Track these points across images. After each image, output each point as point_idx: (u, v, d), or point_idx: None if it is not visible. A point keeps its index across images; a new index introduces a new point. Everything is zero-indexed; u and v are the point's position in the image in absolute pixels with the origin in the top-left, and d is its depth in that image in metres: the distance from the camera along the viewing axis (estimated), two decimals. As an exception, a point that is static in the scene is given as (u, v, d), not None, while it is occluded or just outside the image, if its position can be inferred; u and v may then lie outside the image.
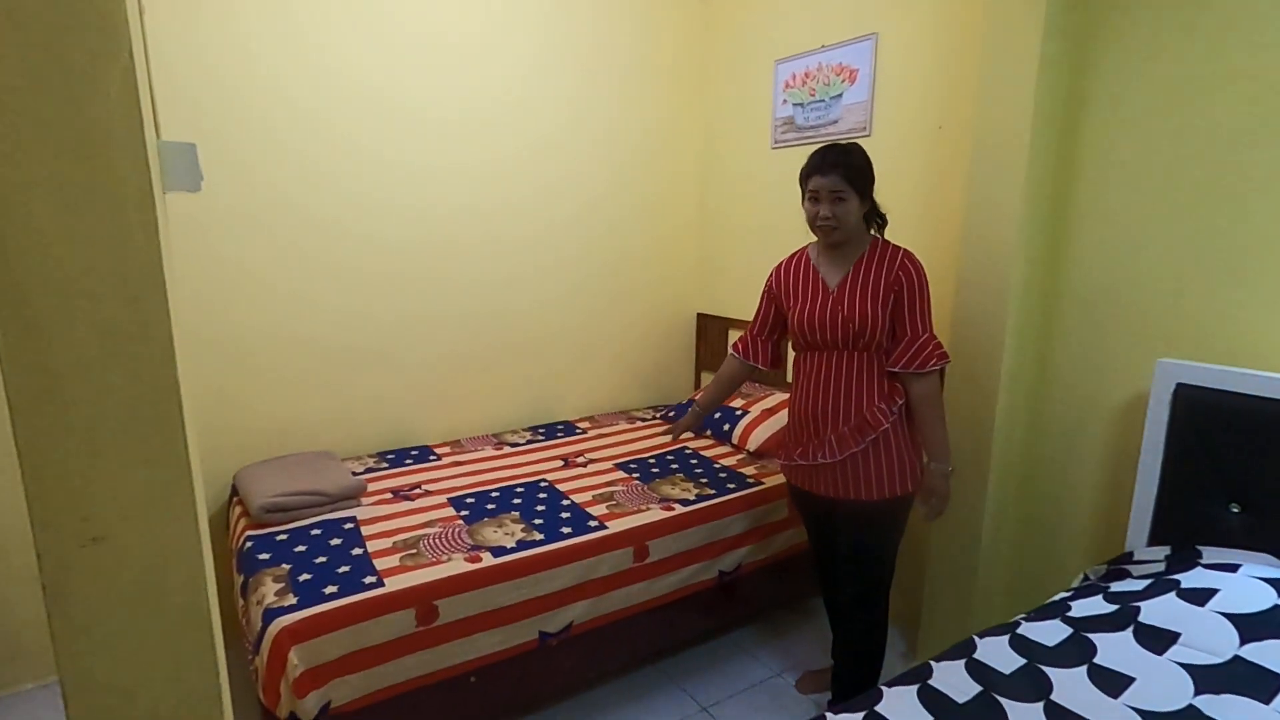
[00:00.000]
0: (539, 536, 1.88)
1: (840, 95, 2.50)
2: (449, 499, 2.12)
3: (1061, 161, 1.89)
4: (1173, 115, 1.69)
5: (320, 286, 2.40)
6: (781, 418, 2.57)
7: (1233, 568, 1.39)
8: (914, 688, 1.24)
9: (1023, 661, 1.29)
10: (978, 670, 1.28)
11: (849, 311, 1.69)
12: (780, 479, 2.31)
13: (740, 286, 3.11)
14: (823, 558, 1.97)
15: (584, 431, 2.83)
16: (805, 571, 2.36)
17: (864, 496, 1.74)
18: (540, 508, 2.06)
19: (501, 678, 1.77)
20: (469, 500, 2.11)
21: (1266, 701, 1.10)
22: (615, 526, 1.95)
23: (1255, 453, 1.51)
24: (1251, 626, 1.22)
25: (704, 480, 2.30)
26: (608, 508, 2.07)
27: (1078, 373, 1.93)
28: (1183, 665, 1.20)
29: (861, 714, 1.18)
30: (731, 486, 2.24)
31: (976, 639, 1.38)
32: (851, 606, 1.87)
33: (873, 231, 1.79)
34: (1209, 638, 1.24)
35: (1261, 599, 1.27)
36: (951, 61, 2.17)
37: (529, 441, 2.70)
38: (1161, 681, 1.18)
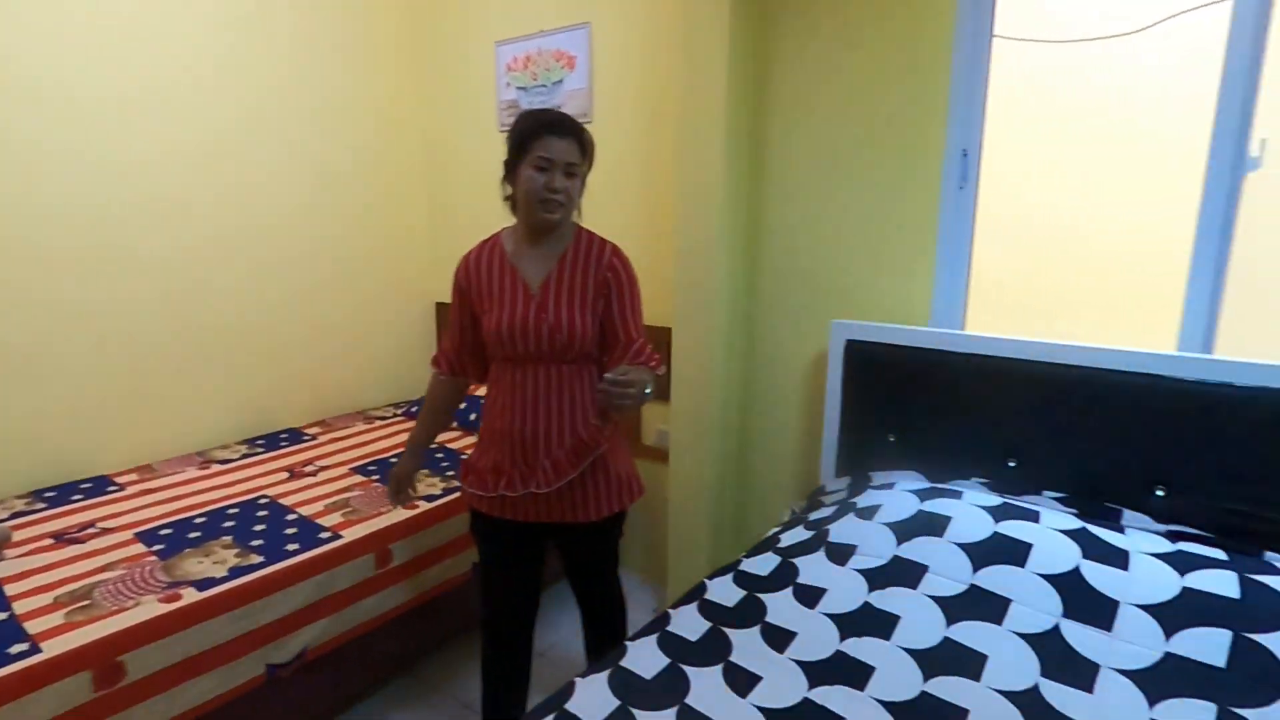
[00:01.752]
0: (258, 559, 1.66)
1: (561, 81, 2.55)
2: (136, 534, 1.78)
3: (755, 149, 2.13)
4: (837, 107, 1.99)
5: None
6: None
7: (890, 485, 1.71)
8: (654, 636, 1.33)
9: (743, 594, 1.45)
10: (708, 609, 1.41)
11: (556, 320, 1.45)
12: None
13: (478, 273, 3.04)
14: (512, 588, 1.67)
15: (313, 438, 2.57)
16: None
17: (583, 518, 1.55)
18: (259, 527, 1.83)
19: (219, 728, 1.54)
20: (164, 533, 1.79)
21: (913, 587, 1.37)
22: (352, 534, 1.80)
23: (902, 391, 1.87)
24: (905, 531, 1.51)
25: (450, 474, 2.22)
26: (343, 515, 1.90)
27: (778, 335, 2.21)
28: (859, 571, 1.44)
29: (607, 671, 1.23)
30: (480, 475, 2.20)
31: (707, 581, 1.52)
32: (591, 623, 1.76)
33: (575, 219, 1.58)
34: (878, 545, 1.50)
35: (910, 507, 1.57)
36: (661, 52, 2.33)
37: (244, 456, 2.37)
38: (844, 588, 1.41)
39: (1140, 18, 1.61)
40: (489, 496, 1.54)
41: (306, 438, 2.56)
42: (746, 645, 1.29)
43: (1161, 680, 1.13)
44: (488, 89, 2.79)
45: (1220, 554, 1.34)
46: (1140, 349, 1.55)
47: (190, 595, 1.50)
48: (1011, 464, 1.72)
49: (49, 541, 1.72)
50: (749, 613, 1.39)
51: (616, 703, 1.14)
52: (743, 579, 1.52)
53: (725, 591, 1.47)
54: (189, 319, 2.40)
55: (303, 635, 1.65)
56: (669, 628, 1.36)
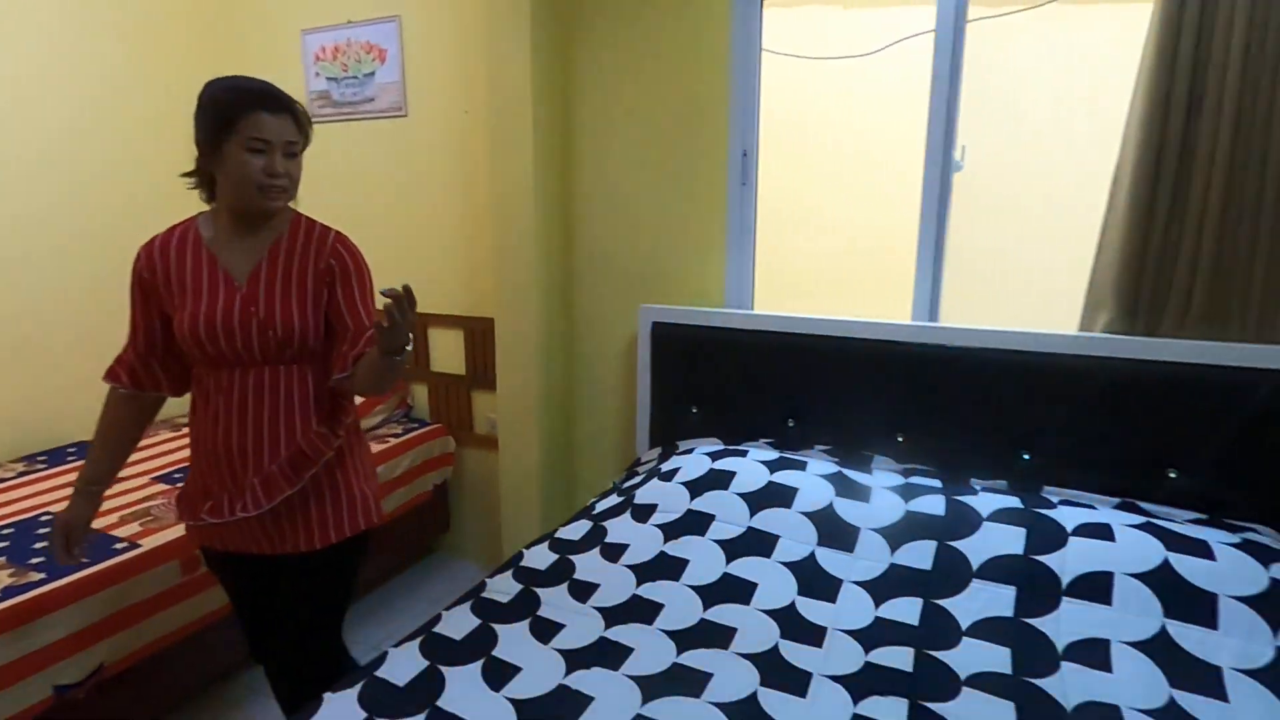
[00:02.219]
0: (38, 576, 1.54)
1: (373, 73, 2.53)
2: (-118, 565, 1.58)
3: (564, 145, 2.26)
4: (637, 107, 2.16)
5: None
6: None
7: (690, 451, 1.91)
8: (468, 603, 1.42)
9: (555, 557, 1.58)
10: (522, 574, 1.52)
11: (267, 314, 1.25)
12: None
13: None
14: (254, 625, 1.47)
15: (108, 449, 2.37)
16: (392, 540, 2.43)
17: (305, 547, 1.33)
18: (39, 545, 1.69)
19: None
20: (-82, 559, 1.61)
21: (702, 534, 1.56)
22: (151, 543, 1.72)
23: (702, 367, 2.08)
24: (698, 488, 1.70)
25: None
26: (141, 525, 1.80)
27: (596, 319, 2.35)
28: (658, 526, 1.62)
29: (419, 639, 1.29)
30: (300, 474, 2.15)
31: (524, 550, 1.63)
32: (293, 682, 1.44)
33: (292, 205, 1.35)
34: (675, 502, 1.68)
35: (704, 467, 1.77)
36: (470, 47, 2.38)
37: (20, 475, 2.15)
38: (644, 542, 1.57)
39: (873, 43, 1.92)
40: (197, 526, 1.35)
41: (100, 450, 2.35)
42: (554, 600, 1.42)
43: (886, 585, 1.40)
44: (295, 78, 2.69)
45: (936, 483, 1.65)
46: (883, 320, 1.86)
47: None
48: (791, 424, 1.98)
49: None
50: (559, 572, 1.51)
51: (425, 664, 1.22)
52: (557, 545, 1.64)
53: (540, 558, 1.59)
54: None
55: (96, 652, 1.56)
56: (484, 594, 1.45)
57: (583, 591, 1.44)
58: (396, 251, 2.68)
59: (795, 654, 1.24)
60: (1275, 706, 1.08)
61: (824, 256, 2.26)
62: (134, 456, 2.26)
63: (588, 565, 1.53)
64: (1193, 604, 1.23)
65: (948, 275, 1.90)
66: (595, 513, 1.77)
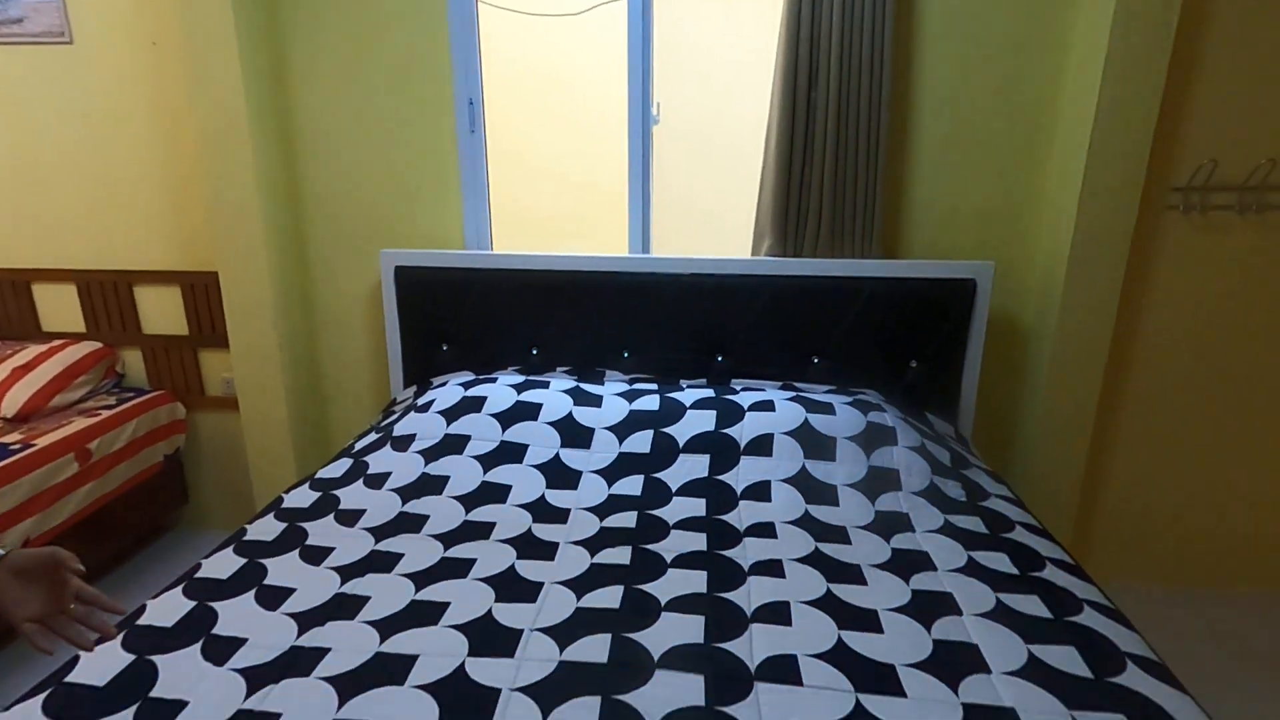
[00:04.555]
0: None
1: (19, -12, 2.15)
2: None
3: (278, 90, 2.16)
4: (355, 53, 2.14)
5: None
6: (49, 369, 2.24)
7: (444, 384, 2.05)
8: (230, 547, 1.44)
9: (318, 495, 1.65)
10: (284, 514, 1.57)
11: None
12: (64, 431, 2.07)
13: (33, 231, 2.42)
14: None
15: None
16: (118, 521, 2.24)
17: None
18: None
19: None
20: None
21: (460, 453, 1.74)
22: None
23: (448, 307, 2.20)
24: (452, 414, 1.87)
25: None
26: None
27: (335, 268, 2.34)
28: (418, 452, 1.76)
29: (182, 585, 1.30)
30: (-12, 460, 1.89)
31: (283, 494, 1.66)
32: None
33: None
34: (431, 429, 1.83)
35: (457, 396, 1.94)
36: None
37: None
38: (406, 468, 1.71)
39: (581, 3, 2.14)
40: None
41: None
42: (320, 529, 1.51)
43: (616, 469, 1.71)
44: (-102, -15, 2.17)
45: (654, 387, 2.01)
46: (605, 254, 2.15)
47: None
48: (534, 352, 2.21)
49: None
50: (323, 506, 1.59)
51: (193, 603, 1.25)
52: (318, 484, 1.71)
53: (302, 497, 1.65)
54: None
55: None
56: (246, 537, 1.48)
57: (350, 518, 1.54)
58: (87, 203, 2.36)
59: (545, 532, 1.49)
60: (868, 507, 1.59)
61: (553, 199, 2.48)
62: None
63: (352, 496, 1.63)
64: (821, 446, 1.72)
65: (655, 213, 2.24)
66: (355, 450, 1.85)
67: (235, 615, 1.22)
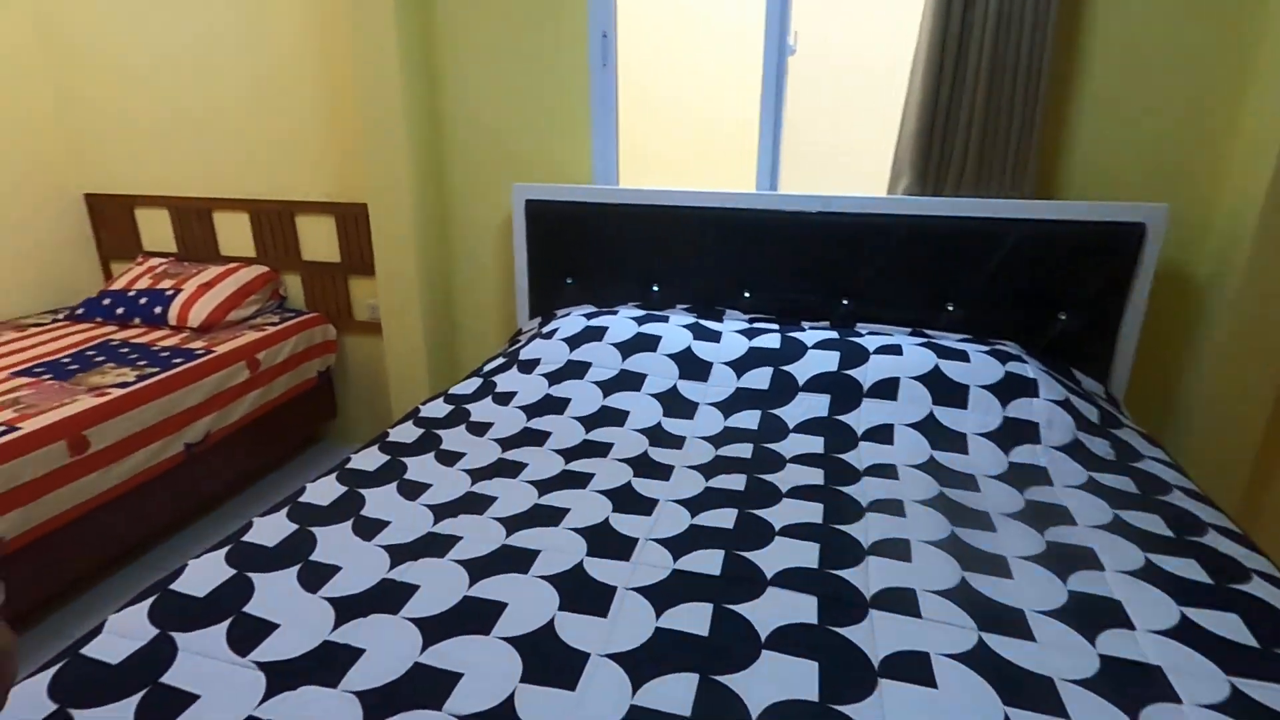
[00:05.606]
0: (-84, 459, 1.53)
1: (206, -63, 2.35)
2: None
3: (426, 27, 2.26)
4: (488, 30, 2.20)
5: None
6: (225, 287, 2.52)
7: (567, 314, 2.12)
8: (375, 445, 1.58)
9: (451, 408, 1.76)
10: (421, 422, 1.69)
11: None
12: (238, 342, 2.33)
13: (139, 158, 2.74)
14: None
15: (-53, 352, 2.22)
16: (278, 426, 2.50)
17: None
18: (-89, 432, 1.65)
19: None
20: None
21: (581, 378, 1.80)
22: (32, 426, 1.72)
23: (574, 241, 2.26)
24: (575, 342, 1.93)
25: (143, 363, 2.14)
26: (15, 411, 1.78)
27: (470, 202, 2.45)
28: (543, 375, 1.84)
29: (285, 509, 1.32)
30: (179, 361, 2.16)
31: (420, 406, 1.79)
32: None
33: None
34: (555, 354, 1.90)
35: (580, 325, 1.99)
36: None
37: None
38: (531, 388, 1.79)
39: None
40: None
41: (-64, 353, 2.21)
42: (454, 438, 1.61)
43: (733, 403, 1.71)
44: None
45: (774, 326, 1.97)
46: (731, 190, 2.11)
47: None
48: (655, 289, 2.23)
49: None
50: (456, 418, 1.70)
51: (343, 489, 1.39)
52: (451, 399, 1.82)
53: (437, 409, 1.77)
54: None
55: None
56: (388, 438, 1.62)
57: (479, 429, 1.64)
58: (257, 141, 2.59)
59: (660, 455, 1.52)
60: (1001, 458, 1.50)
61: (678, 134, 2.46)
62: (-17, 354, 2.17)
63: (482, 410, 1.73)
64: (951, 393, 1.63)
65: (785, 149, 2.17)
66: (484, 371, 1.95)
67: (380, 502, 1.34)
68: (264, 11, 2.43)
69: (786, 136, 2.15)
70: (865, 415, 1.63)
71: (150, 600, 1.06)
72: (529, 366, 1.88)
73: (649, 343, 1.89)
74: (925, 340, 1.83)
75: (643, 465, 1.47)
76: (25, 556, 1.68)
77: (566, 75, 2.21)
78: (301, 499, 1.35)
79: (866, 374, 1.71)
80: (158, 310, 2.47)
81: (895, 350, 1.77)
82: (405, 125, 2.22)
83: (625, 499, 1.34)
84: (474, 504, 1.33)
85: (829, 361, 1.77)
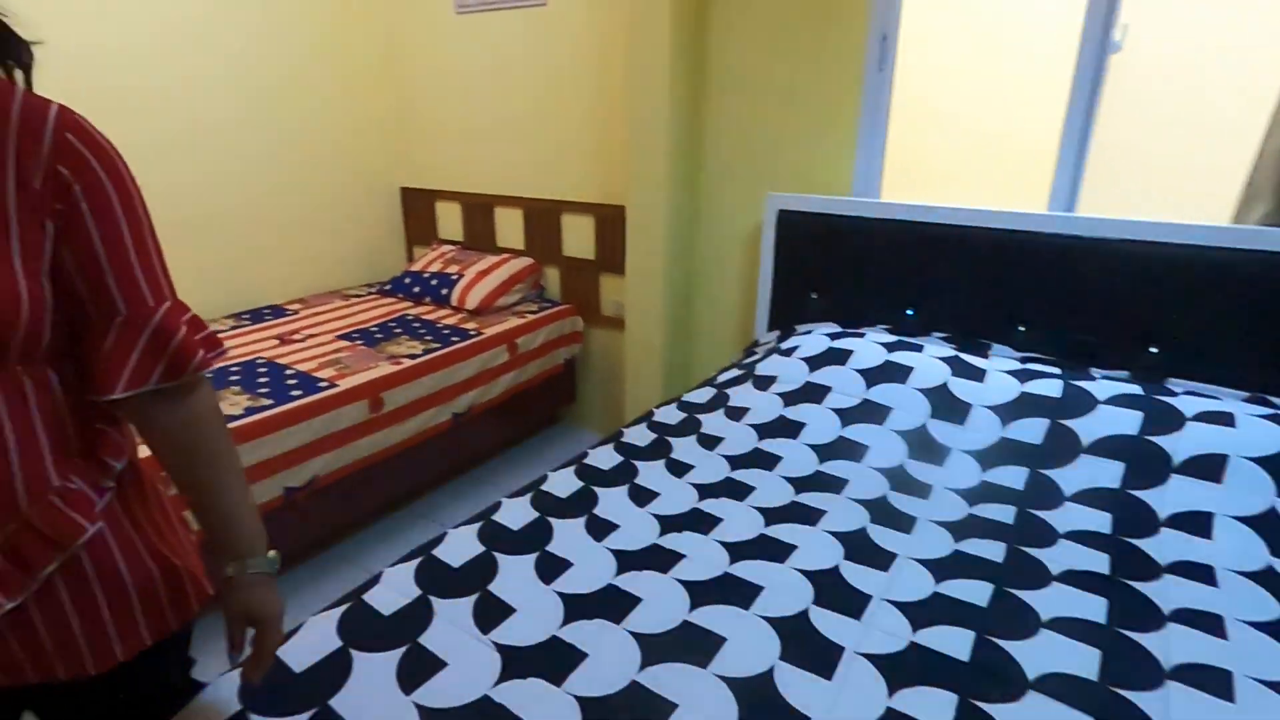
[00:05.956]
0: (268, 402, 1.91)
1: (516, -38, 2.61)
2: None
3: (698, 30, 2.29)
4: (760, 35, 2.16)
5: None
6: (497, 276, 2.82)
7: (808, 332, 2.03)
8: (611, 444, 1.65)
9: (684, 416, 1.78)
10: (655, 427, 1.73)
11: None
12: (502, 326, 2.59)
13: (446, 160, 3.17)
14: None
15: (295, 313, 2.76)
16: (525, 406, 2.74)
17: (75, 672, 0.77)
18: (263, 379, 2.07)
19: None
20: (177, 384, 2.02)
21: (819, 402, 1.70)
22: (346, 384, 2.06)
23: (824, 255, 2.15)
24: (815, 363, 1.83)
25: (429, 338, 2.47)
26: (336, 370, 2.15)
27: (722, 209, 2.45)
28: (778, 394, 1.77)
29: (529, 495, 1.43)
30: (455, 339, 2.45)
31: (655, 409, 1.84)
32: None
33: None
34: (794, 374, 1.82)
35: (822, 345, 1.89)
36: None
37: (233, 328, 2.57)
38: (765, 407, 1.74)
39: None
40: None
41: (289, 313, 2.75)
42: (684, 447, 1.62)
43: (994, 455, 1.50)
44: (442, -30, 2.83)
45: (1055, 370, 1.70)
46: (1015, 210, 1.85)
47: (215, 428, 1.76)
48: (910, 313, 2.04)
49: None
50: (688, 427, 1.71)
51: (580, 484, 1.46)
52: (685, 406, 1.84)
53: (670, 415, 1.79)
54: (172, 206, 2.51)
55: (311, 466, 1.94)
56: (623, 439, 1.68)
57: (710, 442, 1.63)
58: (534, 145, 2.85)
59: (902, 502, 1.38)
60: (1380, 583, 1.13)
61: (952, 143, 2.22)
62: (319, 320, 2.66)
63: (713, 423, 1.72)
64: (1309, 486, 1.27)
65: (1091, 163, 1.85)
66: (718, 382, 1.94)
67: (612, 503, 1.38)
68: (551, 32, 2.64)
69: (1095, 148, 1.83)
70: (1173, 496, 1.33)
71: (417, 561, 1.19)
72: (764, 383, 1.83)
73: (898, 372, 1.73)
74: (1271, 412, 1.45)
75: (881, 511, 1.35)
76: (329, 494, 2.03)
77: (836, 80, 2.11)
78: (543, 487, 1.45)
79: (1179, 444, 1.40)
80: (444, 291, 2.83)
81: (1224, 419, 1.42)
82: (668, 133, 2.28)
83: (859, 547, 1.24)
84: (699, 521, 1.32)
85: (1127, 422, 1.47)
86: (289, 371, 2.13)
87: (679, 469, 1.52)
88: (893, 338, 1.90)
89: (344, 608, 1.09)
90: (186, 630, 0.88)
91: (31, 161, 0.65)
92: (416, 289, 2.91)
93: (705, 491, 1.43)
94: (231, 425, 1.76)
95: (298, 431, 1.89)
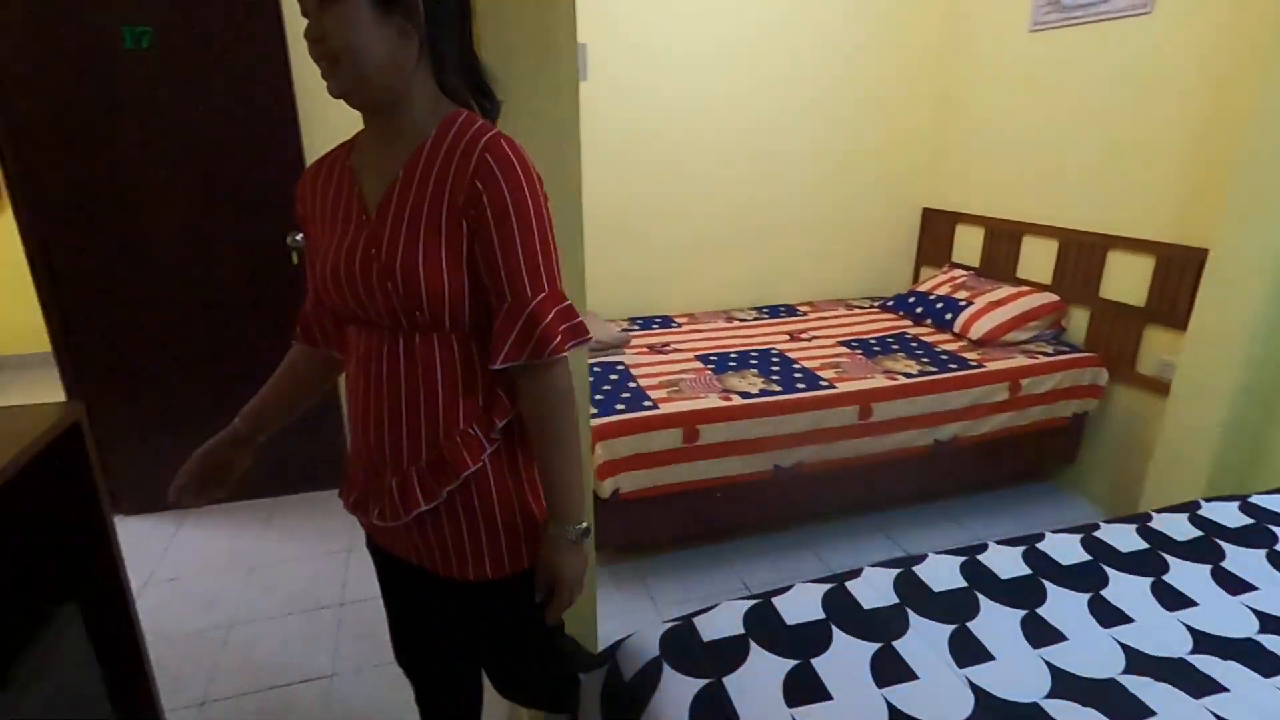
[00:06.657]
0: (778, 388, 2.20)
1: (1117, -32, 2.34)
2: (695, 356, 2.50)
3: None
4: None
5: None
6: (1012, 309, 2.63)
7: None
8: (1134, 525, 1.41)
9: (1249, 520, 1.41)
10: (1199, 521, 1.42)
11: (389, 259, 0.85)
12: (1007, 363, 2.43)
13: (975, 182, 3.08)
14: (402, 634, 1.19)
15: (804, 314, 3.08)
16: (1014, 452, 2.51)
17: (460, 574, 0.98)
18: (775, 368, 2.38)
19: (740, 498, 2.17)
20: (713, 358, 2.48)
21: None
22: (843, 388, 2.22)
23: None
24: None
25: (925, 359, 2.47)
26: (835, 373, 2.34)
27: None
28: None
29: (1022, 548, 1.33)
30: (953, 367, 2.40)
31: (1201, 500, 1.50)
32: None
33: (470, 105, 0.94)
34: None
35: None
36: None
37: (755, 319, 3.01)
38: (1402, 545, 1.25)
39: None
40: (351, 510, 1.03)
41: (799, 313, 3.09)
42: (1244, 560, 1.29)
43: None
44: (1021, -15, 2.71)
45: None
46: None
47: (737, 400, 2.11)
48: None
49: (645, 349, 2.57)
50: (1254, 537, 1.36)
51: (1087, 556, 1.30)
52: (1251, 509, 1.46)
53: (1226, 514, 1.45)
54: (723, 213, 3.07)
55: (801, 451, 2.17)
56: (1150, 523, 1.42)
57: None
58: (1087, 169, 2.54)
59: None
60: None
61: None
62: (821, 324, 2.91)
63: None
64: None
65: None
66: (1315, 493, 1.47)
67: (1127, 591, 1.21)
68: (1152, 45, 2.29)
69: None
70: None
71: (896, 571, 1.25)
72: (1406, 515, 1.32)
73: None
74: None
75: None
76: (810, 481, 2.24)
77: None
78: (1039, 545, 1.34)
79: None
80: (948, 316, 2.78)
81: None
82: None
83: None
84: (1257, 657, 1.05)
85: None
86: (795, 366, 2.41)
87: (1232, 584, 1.22)
88: None
89: (826, 589, 1.22)
90: (522, 578, 1.00)
91: (462, 177, 0.83)
92: (919, 309, 2.92)
93: (1269, 623, 1.12)
94: (745, 402, 2.10)
95: (796, 420, 2.14)
